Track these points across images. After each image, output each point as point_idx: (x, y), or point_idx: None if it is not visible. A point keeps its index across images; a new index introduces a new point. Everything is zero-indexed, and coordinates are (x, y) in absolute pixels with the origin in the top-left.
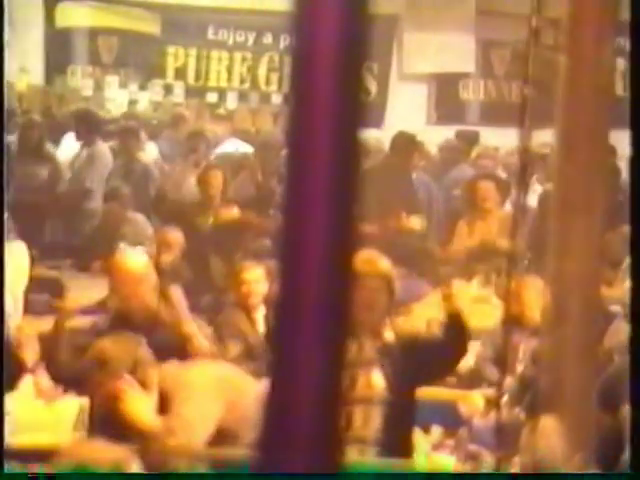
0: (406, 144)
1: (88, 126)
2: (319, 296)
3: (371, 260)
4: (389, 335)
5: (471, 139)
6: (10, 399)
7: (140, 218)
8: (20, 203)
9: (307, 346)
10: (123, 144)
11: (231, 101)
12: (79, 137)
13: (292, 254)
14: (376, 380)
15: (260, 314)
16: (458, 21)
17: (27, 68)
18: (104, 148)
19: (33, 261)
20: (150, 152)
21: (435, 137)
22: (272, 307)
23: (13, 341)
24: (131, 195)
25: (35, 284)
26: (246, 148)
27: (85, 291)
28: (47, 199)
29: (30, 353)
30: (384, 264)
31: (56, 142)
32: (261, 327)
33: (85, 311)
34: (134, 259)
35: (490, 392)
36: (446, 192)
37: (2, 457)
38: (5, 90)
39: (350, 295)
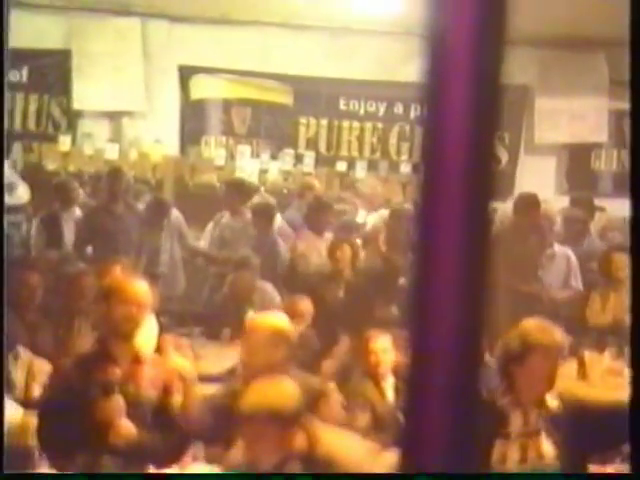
0: (529, 204)
1: (241, 195)
2: (449, 367)
3: (545, 330)
4: (554, 403)
5: (592, 208)
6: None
7: (269, 287)
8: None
9: (435, 418)
10: (257, 218)
11: (360, 170)
12: (229, 206)
13: (421, 323)
14: (546, 449)
15: (389, 383)
16: (591, 90)
17: (162, 139)
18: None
19: (162, 329)
20: (278, 221)
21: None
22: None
23: None
24: (260, 264)
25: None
26: (375, 218)
27: (215, 359)
28: (172, 268)
29: None
30: (558, 334)
31: (186, 211)
32: (390, 397)
33: (214, 379)
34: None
35: None
36: (581, 264)
37: (2, 457)
38: (140, 160)
39: (479, 365)
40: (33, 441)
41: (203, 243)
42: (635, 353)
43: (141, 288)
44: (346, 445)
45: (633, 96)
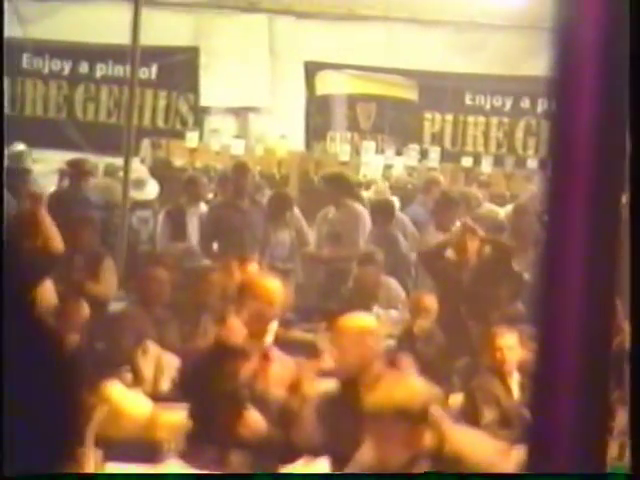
0: None
1: (342, 189)
2: (576, 364)
3: None
4: None
5: None
6: None
7: (393, 283)
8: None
9: (562, 415)
10: (377, 213)
11: (486, 165)
12: (332, 201)
13: (547, 319)
14: None
15: (515, 380)
16: None
17: (288, 135)
18: (364, 212)
19: (289, 324)
20: (400, 217)
21: None
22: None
23: None
24: (385, 259)
25: (292, 347)
26: (498, 213)
27: None
28: (294, 263)
29: None
30: None
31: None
32: (516, 394)
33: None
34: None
35: None
36: None
37: (2, 457)
38: (265, 156)
39: (607, 362)
40: (162, 434)
41: (312, 238)
42: (635, 354)
43: (273, 285)
44: (474, 443)
45: (633, 96)
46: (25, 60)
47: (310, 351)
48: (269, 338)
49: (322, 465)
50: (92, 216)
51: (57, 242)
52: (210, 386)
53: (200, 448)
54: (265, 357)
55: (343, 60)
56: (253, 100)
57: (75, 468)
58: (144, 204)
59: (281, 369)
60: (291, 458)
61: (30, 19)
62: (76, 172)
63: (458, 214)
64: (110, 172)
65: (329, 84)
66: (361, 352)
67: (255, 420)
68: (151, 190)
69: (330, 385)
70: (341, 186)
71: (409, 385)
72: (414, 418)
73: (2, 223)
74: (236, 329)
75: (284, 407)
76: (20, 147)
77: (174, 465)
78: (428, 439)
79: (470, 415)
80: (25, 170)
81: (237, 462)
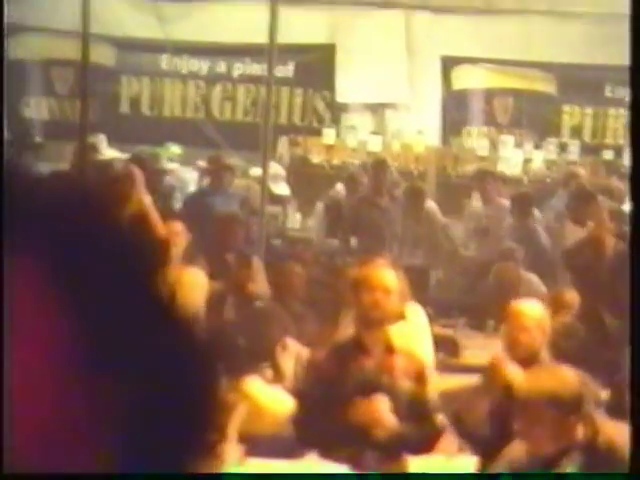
0: None
1: (489, 184)
2: None
3: None
4: None
5: None
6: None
7: (534, 278)
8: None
9: None
10: (518, 208)
11: (628, 158)
12: (483, 197)
13: None
14: None
15: None
16: None
17: (424, 130)
18: (508, 206)
19: (430, 320)
20: (540, 210)
21: None
22: None
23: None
24: (525, 254)
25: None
26: None
27: (479, 350)
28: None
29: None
30: None
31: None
32: None
33: (477, 370)
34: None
35: None
36: None
37: (2, 457)
38: (402, 152)
39: None
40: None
41: (451, 234)
42: (635, 356)
43: (386, 275)
44: (626, 436)
45: (633, 95)
46: (164, 61)
47: (449, 347)
48: (392, 330)
49: (465, 461)
50: (237, 213)
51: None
52: (335, 382)
53: (334, 444)
54: (389, 350)
55: (480, 54)
56: (390, 96)
57: (216, 464)
58: (278, 201)
59: (407, 361)
60: (424, 450)
61: (169, 20)
62: (216, 168)
63: (596, 208)
64: (242, 171)
65: (466, 79)
66: (532, 339)
67: (389, 421)
68: (284, 186)
69: (469, 380)
70: (487, 181)
71: (561, 375)
72: (567, 408)
73: (2, 221)
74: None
75: (413, 400)
76: (172, 147)
77: (313, 460)
78: (581, 431)
79: (617, 410)
80: (161, 170)
81: (370, 457)
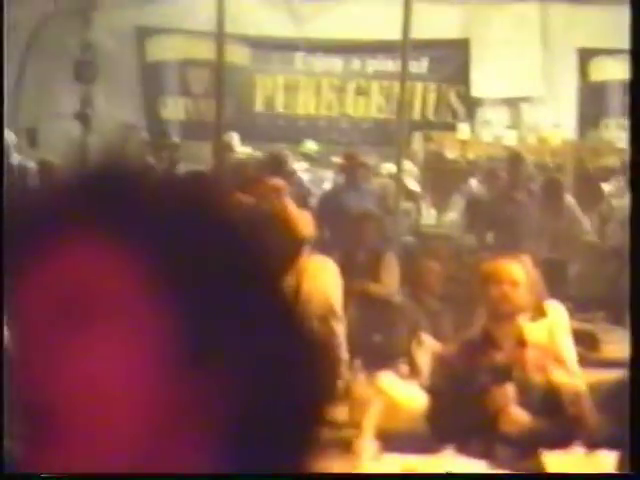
0: None
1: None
2: None
3: None
4: None
5: None
6: None
7: None
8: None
9: None
10: None
11: None
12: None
13: None
14: None
15: None
16: None
17: (561, 124)
18: None
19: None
20: None
21: None
22: None
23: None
24: None
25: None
26: None
27: (618, 345)
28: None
29: None
30: None
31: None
32: None
33: (618, 365)
34: None
35: None
36: None
37: (2, 457)
38: (538, 146)
39: None
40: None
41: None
42: (635, 354)
43: (514, 268)
44: None
45: (633, 94)
46: (298, 59)
47: (588, 341)
48: (524, 323)
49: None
50: (373, 211)
51: (307, 227)
52: (466, 376)
53: (468, 439)
54: (520, 343)
55: (619, 45)
56: (525, 90)
57: (353, 460)
58: (409, 196)
59: (539, 354)
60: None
61: (303, 18)
62: (351, 165)
63: None
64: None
65: (603, 70)
66: None
67: (517, 413)
68: (416, 183)
69: (612, 375)
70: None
71: None
72: None
73: (2, 219)
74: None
75: (547, 394)
76: (307, 144)
77: (449, 456)
78: None
79: None
80: (296, 167)
81: (503, 454)
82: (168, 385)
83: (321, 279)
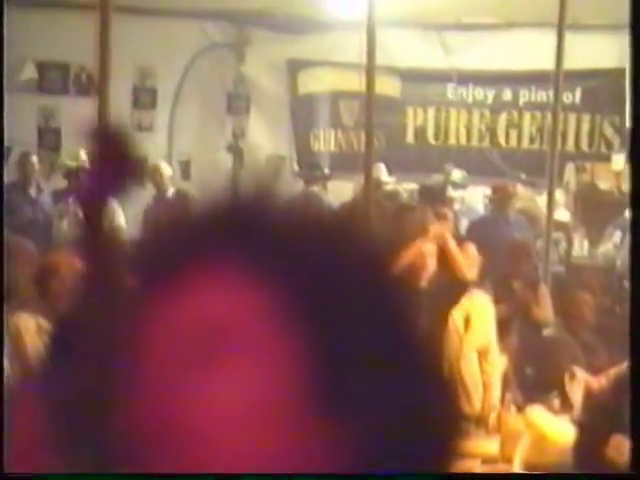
0: None
1: None
2: None
3: None
4: None
5: None
6: None
7: None
8: None
9: None
10: None
11: None
12: None
13: None
14: None
15: None
16: None
17: None
18: None
19: None
20: None
21: None
22: None
23: None
24: None
25: None
26: None
27: None
28: None
29: None
30: None
31: None
32: None
33: None
34: None
35: None
36: None
37: (2, 457)
38: None
39: None
40: None
41: None
42: (635, 355)
43: None
44: None
45: (633, 96)
46: (450, 90)
47: None
48: None
49: None
50: (528, 242)
51: (464, 271)
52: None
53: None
54: None
55: None
56: None
57: None
58: (559, 227)
59: None
60: None
61: (454, 50)
62: (502, 196)
63: None
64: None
65: None
66: None
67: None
68: (566, 213)
69: None
70: None
71: None
72: None
73: (2, 224)
74: None
75: None
76: (458, 174)
77: None
78: None
79: None
80: (447, 197)
81: None
82: (298, 427)
83: (480, 317)
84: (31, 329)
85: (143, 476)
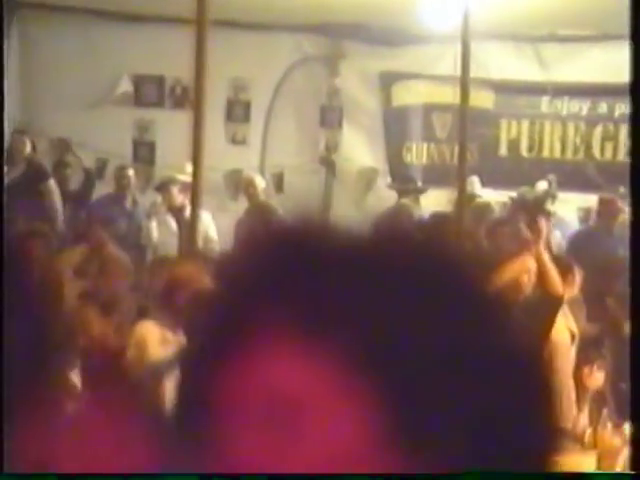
0: None
1: None
2: None
3: None
4: None
5: None
6: None
7: None
8: None
9: None
10: None
11: None
12: None
13: None
14: None
15: None
16: None
17: None
18: None
19: None
20: None
21: None
22: None
23: None
24: None
25: None
26: None
27: None
28: None
29: None
30: None
31: None
32: None
33: None
34: None
35: None
36: None
37: (2, 457)
38: None
39: None
40: None
41: None
42: (635, 357)
43: None
44: None
45: (633, 98)
46: (544, 103)
47: None
48: None
49: None
50: (622, 257)
51: (559, 286)
52: None
53: None
54: None
55: None
56: None
57: None
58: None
59: None
60: None
61: (549, 62)
62: (605, 211)
63: None
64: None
65: None
66: None
67: None
68: None
69: None
70: None
71: None
72: None
73: (2, 226)
74: None
75: None
76: (543, 186)
77: None
78: None
79: None
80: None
81: None
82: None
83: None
84: (155, 339)
85: (143, 476)
